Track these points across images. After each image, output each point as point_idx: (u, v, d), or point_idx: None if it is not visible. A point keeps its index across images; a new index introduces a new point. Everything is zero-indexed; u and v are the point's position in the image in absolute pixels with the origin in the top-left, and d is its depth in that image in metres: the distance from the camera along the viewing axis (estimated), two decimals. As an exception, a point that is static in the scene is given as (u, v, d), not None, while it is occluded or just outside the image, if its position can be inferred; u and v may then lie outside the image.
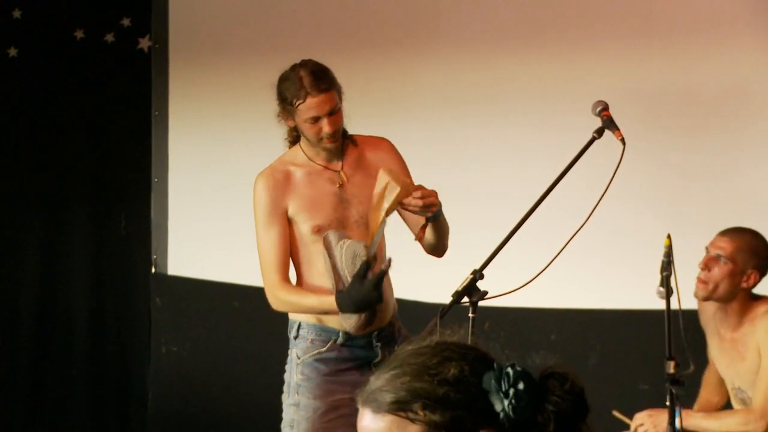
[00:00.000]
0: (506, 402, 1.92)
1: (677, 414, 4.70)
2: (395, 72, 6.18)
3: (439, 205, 4.34)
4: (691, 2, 5.69)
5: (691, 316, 4.73)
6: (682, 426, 4.73)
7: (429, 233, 4.46)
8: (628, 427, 4.81)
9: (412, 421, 1.94)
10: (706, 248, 4.77)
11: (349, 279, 4.26)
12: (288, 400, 4.68)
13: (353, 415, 4.40)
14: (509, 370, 1.94)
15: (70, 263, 7.17)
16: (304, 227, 4.53)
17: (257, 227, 4.61)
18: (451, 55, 6.04)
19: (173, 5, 6.63)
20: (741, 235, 4.78)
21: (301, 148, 4.59)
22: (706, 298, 4.76)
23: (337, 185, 4.57)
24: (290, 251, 4.55)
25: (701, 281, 4.74)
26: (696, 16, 5.67)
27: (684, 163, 5.66)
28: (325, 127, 4.45)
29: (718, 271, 4.71)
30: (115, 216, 7.19)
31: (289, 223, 4.61)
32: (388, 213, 4.27)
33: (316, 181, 4.55)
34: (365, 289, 4.20)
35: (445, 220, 4.53)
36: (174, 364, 6.69)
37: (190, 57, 6.64)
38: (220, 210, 6.44)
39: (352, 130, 4.65)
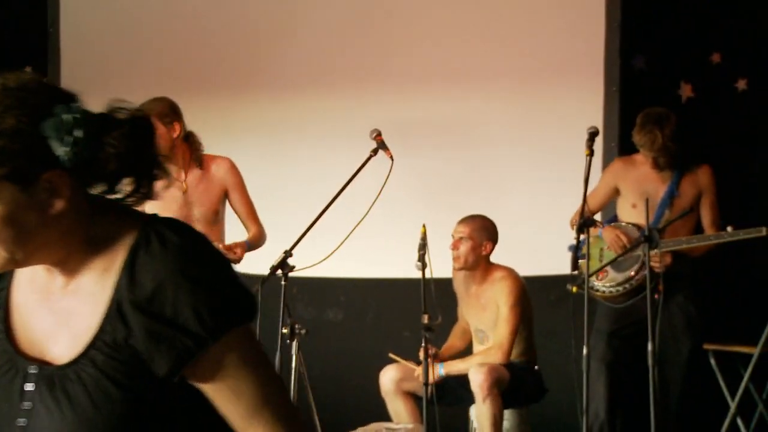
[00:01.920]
0: (64, 147, 1.71)
1: (441, 366, 5.32)
2: (232, 105, 6.66)
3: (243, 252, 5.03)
4: (439, 55, 6.32)
5: (440, 283, 5.18)
6: (446, 373, 5.34)
7: None
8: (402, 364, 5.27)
9: None
10: (452, 235, 5.44)
11: None
12: None
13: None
14: (66, 116, 1.72)
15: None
16: None
17: None
18: (272, 93, 6.60)
19: (64, 59, 6.99)
20: (473, 219, 5.49)
21: None
22: (461, 269, 5.45)
23: (182, 191, 5.12)
24: None
25: (455, 258, 5.43)
26: (442, 66, 6.31)
27: (436, 169, 6.29)
28: None
29: (463, 249, 5.42)
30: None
31: None
32: None
33: (168, 187, 4.94)
34: None
35: (253, 244, 5.17)
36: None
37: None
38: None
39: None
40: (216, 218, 5.24)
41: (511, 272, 5.52)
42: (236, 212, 5.24)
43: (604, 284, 5.41)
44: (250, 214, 5.23)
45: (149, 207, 4.59)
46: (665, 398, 5.27)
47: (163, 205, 5.07)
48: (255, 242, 5.18)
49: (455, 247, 5.46)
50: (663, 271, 5.18)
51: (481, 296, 5.53)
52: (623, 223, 5.53)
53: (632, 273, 5.38)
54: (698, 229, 5.50)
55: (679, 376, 5.41)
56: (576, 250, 5.38)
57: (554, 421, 5.56)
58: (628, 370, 5.47)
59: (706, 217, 5.52)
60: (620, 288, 5.39)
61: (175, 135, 5.09)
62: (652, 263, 5.15)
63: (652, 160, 5.43)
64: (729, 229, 5.19)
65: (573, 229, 5.45)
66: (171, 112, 5.09)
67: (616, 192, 5.62)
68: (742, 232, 5.10)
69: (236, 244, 5.03)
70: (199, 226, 4.75)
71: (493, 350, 5.36)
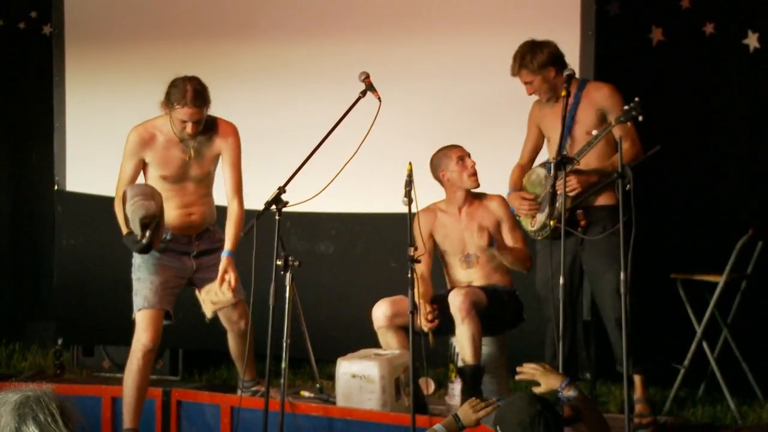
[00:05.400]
0: None
1: (494, 241, 5.25)
2: (228, 49, 6.59)
3: None
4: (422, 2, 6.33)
5: (425, 217, 5.28)
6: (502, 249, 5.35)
7: None
8: None
9: None
10: (463, 157, 5.40)
11: (131, 224, 4.89)
12: (134, 275, 5.28)
13: (177, 287, 5.26)
14: None
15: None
16: (154, 173, 5.19)
17: (122, 160, 5.19)
18: (267, 38, 6.58)
19: (68, 3, 6.86)
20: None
21: (170, 120, 5.12)
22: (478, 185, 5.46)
23: (187, 155, 5.16)
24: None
25: (476, 177, 5.42)
26: (424, 11, 6.30)
27: (421, 110, 6.31)
28: (189, 129, 5.04)
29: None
30: (28, 151, 7.91)
31: (145, 165, 5.18)
32: None
33: (172, 146, 5.17)
34: (132, 239, 4.92)
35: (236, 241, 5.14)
36: (71, 251, 7.11)
37: (79, 38, 6.93)
38: (101, 146, 6.68)
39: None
40: (207, 177, 5.30)
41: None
42: (224, 178, 5.27)
43: (537, 230, 5.36)
44: (236, 186, 5.25)
45: (150, 160, 4.84)
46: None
47: (164, 162, 5.17)
48: (237, 228, 5.19)
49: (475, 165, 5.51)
50: (576, 193, 5.11)
51: (475, 214, 5.55)
52: (535, 168, 5.44)
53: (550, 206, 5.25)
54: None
55: (610, 307, 5.22)
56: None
57: (529, 353, 5.39)
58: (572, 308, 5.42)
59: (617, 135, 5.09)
60: (549, 226, 5.23)
61: (208, 111, 5.14)
62: (561, 188, 4.93)
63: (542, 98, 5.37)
64: (593, 132, 5.10)
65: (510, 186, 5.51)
66: (209, 97, 5.12)
67: (543, 135, 5.52)
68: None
69: (226, 268, 5.14)
70: (191, 184, 5.14)
71: (524, 253, 5.49)
